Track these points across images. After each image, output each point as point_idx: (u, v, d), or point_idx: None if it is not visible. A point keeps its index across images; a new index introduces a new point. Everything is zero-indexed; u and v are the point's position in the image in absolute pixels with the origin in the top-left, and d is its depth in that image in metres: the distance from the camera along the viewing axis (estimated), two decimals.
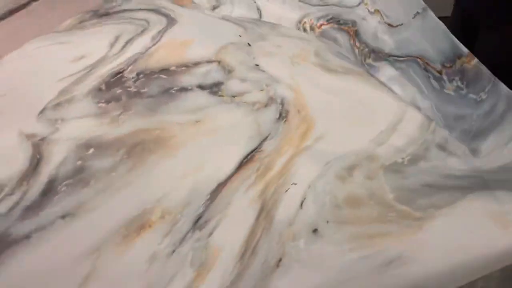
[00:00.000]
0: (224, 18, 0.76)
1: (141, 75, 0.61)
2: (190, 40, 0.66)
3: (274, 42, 0.69)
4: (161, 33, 0.68)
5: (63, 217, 0.45)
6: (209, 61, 0.64)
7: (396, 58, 0.75)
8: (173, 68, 0.62)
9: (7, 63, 0.68)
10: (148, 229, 0.44)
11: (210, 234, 0.45)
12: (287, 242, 0.42)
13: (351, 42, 0.79)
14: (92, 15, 0.84)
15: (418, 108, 0.62)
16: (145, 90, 0.59)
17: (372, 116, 0.58)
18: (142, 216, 0.46)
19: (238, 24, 0.73)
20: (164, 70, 0.62)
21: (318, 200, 0.45)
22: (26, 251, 0.42)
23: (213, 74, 0.62)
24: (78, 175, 0.49)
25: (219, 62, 0.64)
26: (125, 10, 0.78)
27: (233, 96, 0.60)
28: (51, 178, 0.48)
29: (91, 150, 0.51)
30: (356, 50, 0.77)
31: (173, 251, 0.43)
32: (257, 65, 0.64)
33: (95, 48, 0.69)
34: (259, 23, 0.75)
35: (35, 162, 0.50)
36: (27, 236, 0.43)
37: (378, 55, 0.75)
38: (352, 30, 0.80)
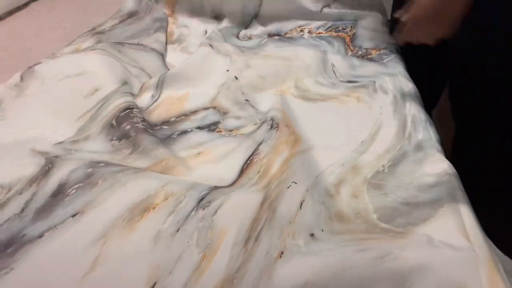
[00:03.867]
0: (210, 54, 0.80)
1: (145, 122, 0.65)
2: (186, 94, 0.71)
3: (257, 71, 0.75)
4: (158, 90, 0.72)
5: (73, 216, 0.47)
6: (206, 108, 0.68)
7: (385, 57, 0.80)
8: (173, 119, 0.66)
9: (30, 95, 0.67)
10: (152, 211, 0.46)
11: (214, 213, 0.45)
12: (288, 239, 0.44)
13: (345, 46, 0.84)
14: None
15: (405, 91, 0.68)
16: (151, 132, 0.62)
17: (352, 129, 0.62)
18: (146, 200, 0.48)
19: (225, 55, 0.79)
20: (165, 122, 0.66)
21: (315, 206, 0.48)
22: (39, 248, 0.43)
23: (210, 117, 0.67)
24: (88, 179, 0.50)
25: (214, 107, 0.69)
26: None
27: (230, 131, 0.63)
28: (61, 182, 0.50)
29: (102, 164, 0.54)
30: (350, 52, 0.81)
31: (178, 230, 0.44)
32: (247, 100, 0.70)
33: (107, 82, 0.71)
34: (243, 49, 0.82)
35: (46, 169, 0.52)
36: (39, 236, 0.45)
37: (368, 56, 0.80)
38: (349, 36, 0.85)
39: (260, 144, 0.58)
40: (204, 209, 0.46)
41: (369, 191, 0.51)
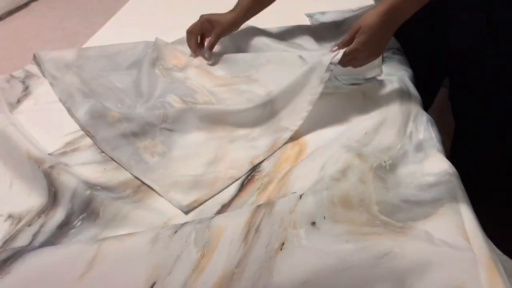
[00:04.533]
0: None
1: None
2: None
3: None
4: None
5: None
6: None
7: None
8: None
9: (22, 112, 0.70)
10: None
11: (212, 218, 0.46)
12: (289, 228, 0.43)
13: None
14: None
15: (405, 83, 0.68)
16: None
17: (354, 123, 0.62)
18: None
19: None
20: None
21: (316, 194, 0.47)
22: (35, 254, 0.43)
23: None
24: (90, 207, 0.50)
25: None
26: None
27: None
28: (68, 212, 0.50)
29: (98, 187, 0.54)
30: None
31: (175, 232, 0.44)
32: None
33: None
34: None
35: (53, 196, 0.52)
36: (37, 247, 0.45)
37: None
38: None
39: (263, 161, 0.58)
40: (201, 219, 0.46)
41: (374, 180, 0.51)
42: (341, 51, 0.60)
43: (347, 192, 0.48)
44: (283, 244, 0.42)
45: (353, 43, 0.60)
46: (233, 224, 0.45)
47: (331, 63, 0.59)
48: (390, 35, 0.61)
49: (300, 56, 0.68)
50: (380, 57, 0.65)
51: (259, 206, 0.47)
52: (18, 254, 0.43)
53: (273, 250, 0.42)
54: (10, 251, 0.44)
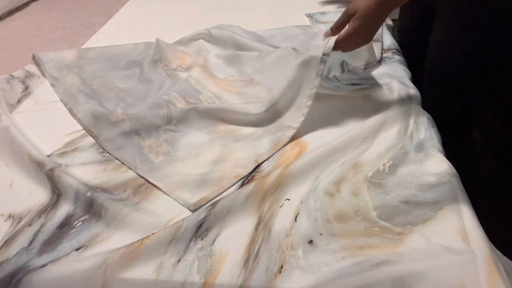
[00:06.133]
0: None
1: None
2: None
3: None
4: None
5: (77, 249, 0.46)
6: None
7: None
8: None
9: (23, 112, 0.72)
10: (152, 236, 0.46)
11: (212, 243, 0.46)
12: (287, 251, 0.45)
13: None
14: None
15: (404, 82, 0.68)
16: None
17: (356, 126, 0.61)
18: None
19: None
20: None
21: (310, 215, 0.48)
22: (41, 276, 0.43)
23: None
24: (91, 209, 0.50)
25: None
26: None
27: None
28: (69, 213, 0.51)
29: (99, 189, 0.53)
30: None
31: (179, 260, 0.45)
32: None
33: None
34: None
35: (55, 198, 0.53)
36: (42, 265, 0.44)
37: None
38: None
39: (263, 162, 0.58)
40: (202, 239, 0.47)
41: (369, 190, 0.51)
42: (333, 39, 0.59)
43: (340, 208, 0.49)
44: (281, 267, 0.43)
45: (347, 27, 0.58)
46: (234, 250, 0.46)
47: (324, 54, 0.59)
48: (383, 20, 0.60)
49: (294, 48, 0.68)
50: (371, 43, 0.64)
51: (257, 227, 0.48)
52: (23, 273, 0.44)
53: (272, 274, 0.43)
54: (12, 265, 0.45)
